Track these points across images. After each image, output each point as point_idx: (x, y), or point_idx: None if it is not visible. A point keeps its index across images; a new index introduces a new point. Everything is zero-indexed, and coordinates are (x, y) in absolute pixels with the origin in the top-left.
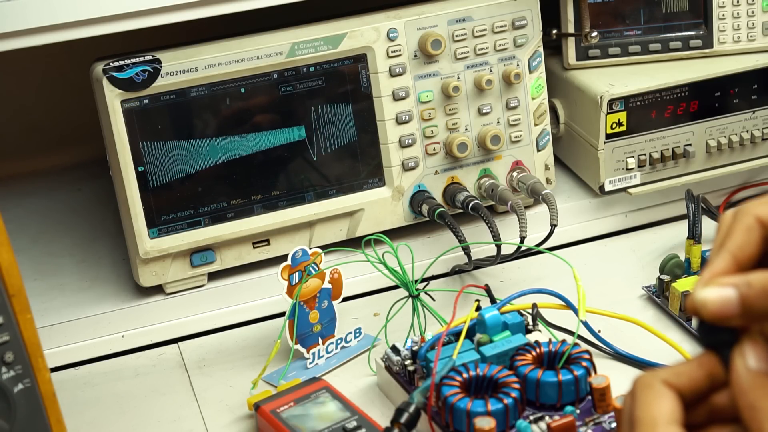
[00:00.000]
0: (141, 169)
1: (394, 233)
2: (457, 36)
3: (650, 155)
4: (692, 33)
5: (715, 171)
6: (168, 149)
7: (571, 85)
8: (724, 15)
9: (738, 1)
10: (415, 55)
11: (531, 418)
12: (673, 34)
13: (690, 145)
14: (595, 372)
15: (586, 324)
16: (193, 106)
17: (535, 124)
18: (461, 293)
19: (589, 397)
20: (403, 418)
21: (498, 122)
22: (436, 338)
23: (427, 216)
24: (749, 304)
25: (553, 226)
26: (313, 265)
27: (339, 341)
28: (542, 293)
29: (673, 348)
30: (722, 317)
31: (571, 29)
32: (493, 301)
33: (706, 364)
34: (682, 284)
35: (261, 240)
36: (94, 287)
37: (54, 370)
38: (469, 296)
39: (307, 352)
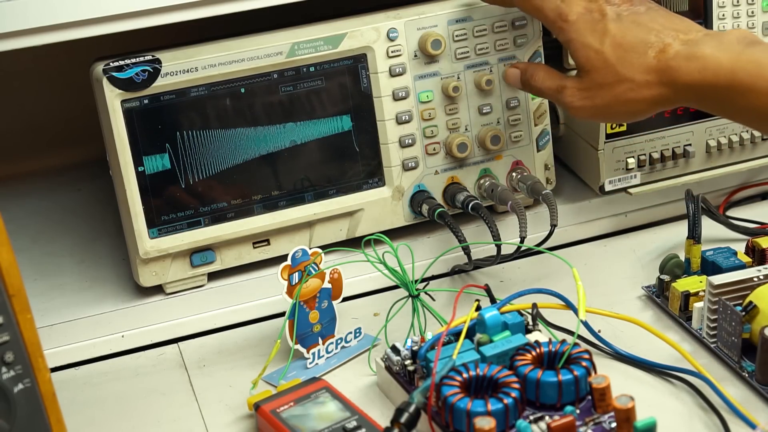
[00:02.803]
0: (141, 169)
1: (394, 233)
2: (457, 36)
3: (650, 155)
4: None
5: (715, 171)
6: (168, 149)
7: None
8: (724, 15)
9: (738, 1)
10: (415, 55)
11: (531, 418)
12: None
13: (690, 145)
14: (595, 372)
15: (586, 324)
16: (193, 106)
17: (535, 124)
18: (461, 293)
19: (589, 397)
20: (403, 418)
21: (498, 122)
22: (436, 338)
23: (427, 216)
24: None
25: (553, 226)
26: (313, 265)
27: (339, 341)
28: (542, 293)
29: (673, 348)
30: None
31: None
32: (493, 301)
33: None
34: (682, 284)
35: (261, 240)
36: (94, 287)
37: (54, 370)
38: (469, 296)
39: (307, 352)
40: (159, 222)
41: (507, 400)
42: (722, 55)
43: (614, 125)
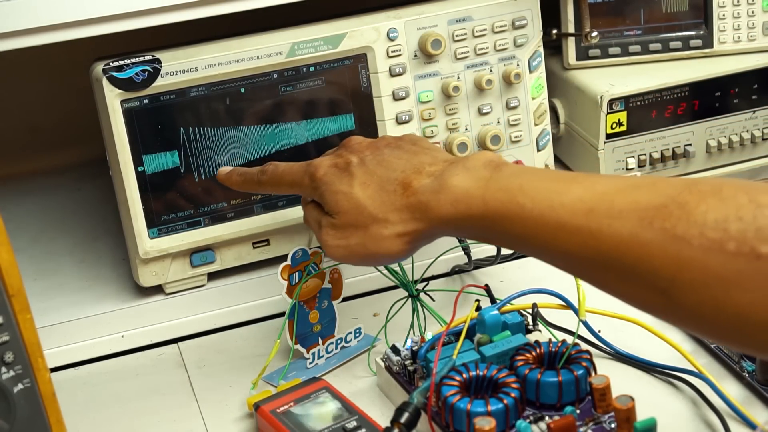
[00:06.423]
0: (141, 169)
1: None
2: (457, 36)
3: (650, 155)
4: (692, 33)
5: (715, 171)
6: (168, 149)
7: (571, 85)
8: (724, 15)
9: (738, 1)
10: (415, 55)
11: (531, 418)
12: (674, 34)
13: (690, 145)
14: (595, 372)
15: (586, 324)
16: (193, 106)
17: (535, 124)
18: (461, 293)
19: (589, 397)
20: (403, 418)
21: (498, 122)
22: (436, 338)
23: None
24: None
25: None
26: (313, 265)
27: (339, 341)
28: (542, 293)
29: (673, 348)
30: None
31: (571, 29)
32: (493, 301)
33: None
34: None
35: (261, 240)
36: (94, 287)
37: (54, 370)
38: (469, 296)
39: (307, 352)
40: (159, 222)
41: (507, 400)
42: (470, 185)
43: (614, 125)
